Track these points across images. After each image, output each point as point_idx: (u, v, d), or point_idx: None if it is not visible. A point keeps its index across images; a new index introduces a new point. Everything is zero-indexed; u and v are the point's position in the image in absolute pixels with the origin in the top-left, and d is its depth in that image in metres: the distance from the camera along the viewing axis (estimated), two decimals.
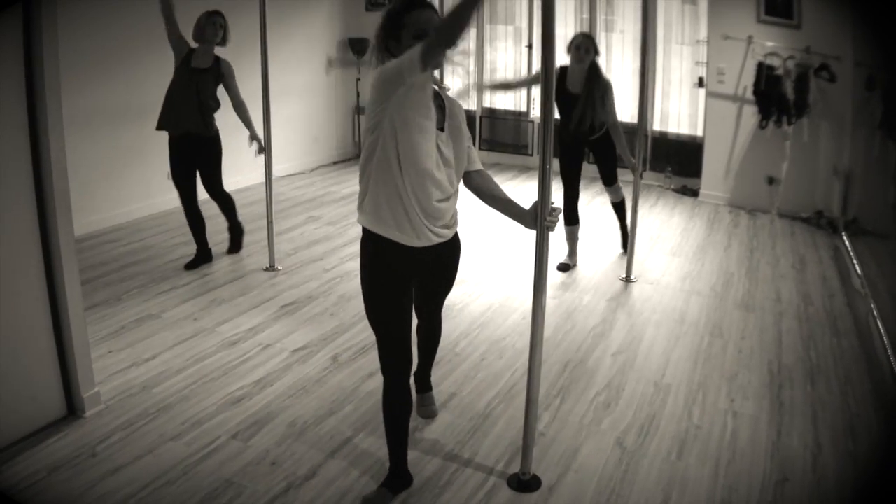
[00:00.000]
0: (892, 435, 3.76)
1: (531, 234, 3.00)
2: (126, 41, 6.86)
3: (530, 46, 9.35)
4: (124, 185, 7.09)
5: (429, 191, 2.84)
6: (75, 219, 3.68)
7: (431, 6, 2.86)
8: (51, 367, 3.64)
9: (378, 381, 4.09)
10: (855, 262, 6.06)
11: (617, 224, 6.46)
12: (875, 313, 4.92)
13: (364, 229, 2.93)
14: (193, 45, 5.54)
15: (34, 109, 3.41)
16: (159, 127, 5.66)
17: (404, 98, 2.69)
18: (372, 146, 2.78)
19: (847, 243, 6.60)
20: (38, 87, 3.39)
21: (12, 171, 3.37)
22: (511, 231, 6.68)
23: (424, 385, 3.80)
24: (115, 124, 6.90)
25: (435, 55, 2.57)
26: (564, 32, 8.60)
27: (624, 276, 5.82)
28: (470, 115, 10.02)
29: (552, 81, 2.91)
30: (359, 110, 10.20)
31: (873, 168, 5.92)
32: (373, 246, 2.92)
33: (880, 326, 4.70)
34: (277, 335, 4.71)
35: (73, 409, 3.73)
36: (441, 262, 3.11)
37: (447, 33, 2.53)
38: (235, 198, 6.06)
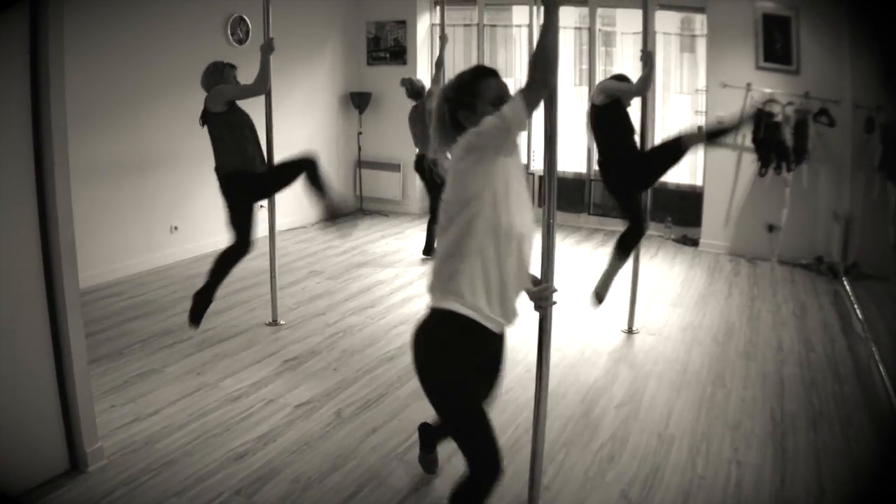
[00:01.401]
0: (894, 476, 3.76)
1: None
2: (127, 95, 6.96)
3: None
4: (125, 238, 7.13)
5: (527, 262, 2.74)
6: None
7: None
8: (54, 422, 3.63)
9: (382, 436, 4.12)
10: (856, 306, 6.08)
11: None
12: (876, 356, 4.94)
13: (447, 313, 2.62)
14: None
15: (41, 163, 3.46)
16: (244, 168, 5.45)
17: (506, 163, 2.60)
18: (468, 220, 2.55)
19: (847, 288, 6.62)
20: (45, 140, 3.44)
21: (19, 224, 3.41)
22: None
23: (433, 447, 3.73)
24: (116, 177, 6.96)
25: (540, 97, 2.53)
26: (562, 84, 8.72)
27: (625, 327, 5.82)
28: None
29: (556, 135, 2.76)
30: (360, 164, 10.27)
31: (873, 210, 5.96)
32: (462, 333, 2.63)
33: (881, 369, 4.71)
34: (280, 390, 4.70)
35: (76, 463, 3.72)
36: (503, 349, 3.01)
37: (547, 70, 2.50)
38: None
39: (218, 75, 5.40)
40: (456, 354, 2.64)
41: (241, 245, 5.52)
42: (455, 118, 2.68)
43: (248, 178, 5.49)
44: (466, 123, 2.64)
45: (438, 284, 2.65)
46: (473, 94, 2.66)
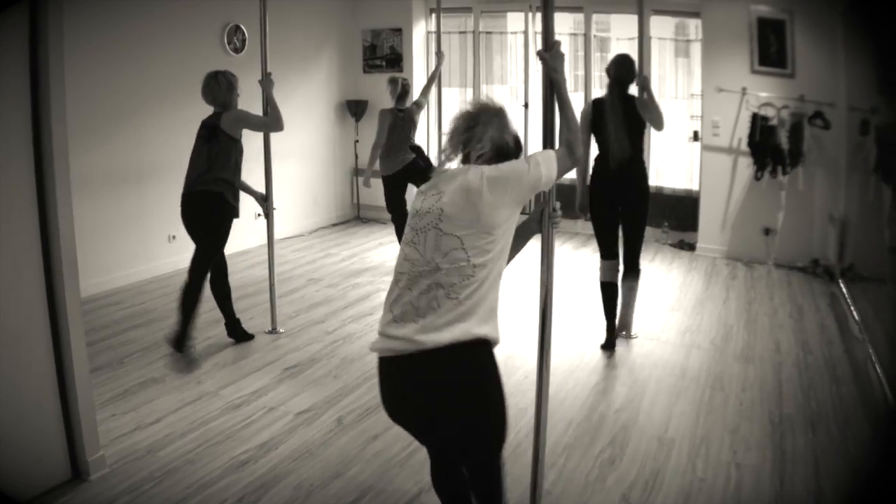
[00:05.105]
0: (891, 476, 3.78)
1: (533, 293, 3.02)
2: (124, 104, 7.00)
3: (526, 105, 9.46)
4: (125, 247, 7.15)
5: None
6: None
7: None
8: (56, 431, 3.65)
9: (383, 443, 4.14)
10: (852, 308, 6.10)
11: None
12: (873, 358, 4.95)
13: (488, 342, 2.58)
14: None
15: (42, 172, 3.48)
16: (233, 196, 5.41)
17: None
18: (503, 248, 2.60)
19: (844, 290, 6.64)
20: (46, 149, 3.46)
21: (20, 233, 3.43)
22: (512, 290, 6.70)
23: None
24: (116, 186, 6.99)
25: (569, 170, 2.76)
26: None
27: (624, 332, 5.83)
28: None
29: (554, 142, 2.90)
30: (357, 172, 10.28)
31: (869, 213, 5.97)
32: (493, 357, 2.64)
33: (878, 371, 4.72)
34: (281, 398, 4.72)
35: (78, 472, 3.73)
36: None
37: (579, 148, 2.74)
38: (236, 260, 6.04)
39: (231, 92, 5.35)
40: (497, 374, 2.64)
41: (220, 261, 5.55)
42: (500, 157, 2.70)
43: (229, 207, 5.41)
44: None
45: (485, 307, 2.56)
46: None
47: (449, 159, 2.75)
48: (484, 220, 2.52)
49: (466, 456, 2.76)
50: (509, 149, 2.73)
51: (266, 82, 5.55)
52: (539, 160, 2.66)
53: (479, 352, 2.56)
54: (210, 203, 5.26)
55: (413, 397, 2.63)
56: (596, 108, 5.35)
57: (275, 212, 6.00)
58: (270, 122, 5.53)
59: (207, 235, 5.31)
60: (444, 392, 2.55)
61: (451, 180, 2.63)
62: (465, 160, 2.73)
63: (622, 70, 5.34)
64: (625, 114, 5.26)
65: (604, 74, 5.59)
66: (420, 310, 2.52)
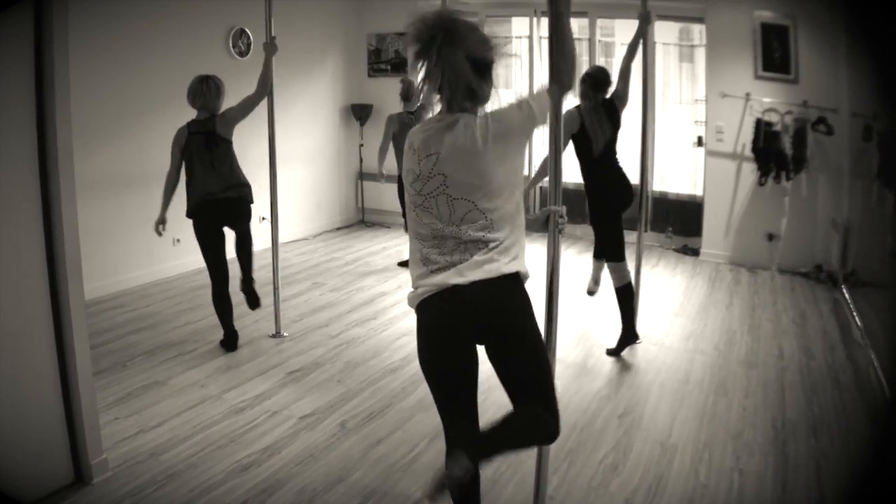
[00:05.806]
0: (892, 481, 3.78)
1: (538, 298, 3.02)
2: (129, 107, 7.00)
3: None
4: (129, 250, 7.16)
5: None
6: None
7: None
8: (59, 434, 3.65)
9: (386, 447, 4.13)
10: (855, 314, 6.10)
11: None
12: (875, 364, 4.95)
13: (520, 277, 2.65)
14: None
15: (46, 175, 3.48)
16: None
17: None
18: (517, 195, 2.65)
19: (847, 296, 6.64)
20: (51, 152, 3.47)
21: (24, 236, 3.44)
22: None
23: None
24: (121, 190, 6.99)
25: (564, 100, 2.75)
26: None
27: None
28: None
29: (561, 147, 2.95)
30: (362, 176, 10.29)
31: (871, 219, 5.97)
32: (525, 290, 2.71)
33: (881, 376, 4.72)
34: (284, 402, 4.72)
35: (80, 476, 3.73)
36: None
37: (574, 76, 2.70)
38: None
39: (220, 98, 5.33)
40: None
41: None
42: (480, 82, 2.57)
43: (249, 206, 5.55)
44: (488, 89, 2.62)
45: (505, 257, 2.60)
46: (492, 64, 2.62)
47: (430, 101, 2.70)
48: (487, 179, 2.55)
49: (519, 386, 2.68)
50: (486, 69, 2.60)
51: (270, 47, 5.49)
52: (527, 98, 2.64)
53: (512, 282, 2.61)
54: (239, 210, 5.45)
55: (455, 324, 2.60)
56: (580, 114, 5.32)
57: (279, 215, 5.98)
58: (254, 95, 5.42)
59: (245, 229, 5.57)
60: (485, 313, 2.58)
61: (441, 136, 2.60)
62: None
63: (598, 70, 5.36)
64: (602, 109, 5.28)
65: None
66: (454, 262, 2.59)
